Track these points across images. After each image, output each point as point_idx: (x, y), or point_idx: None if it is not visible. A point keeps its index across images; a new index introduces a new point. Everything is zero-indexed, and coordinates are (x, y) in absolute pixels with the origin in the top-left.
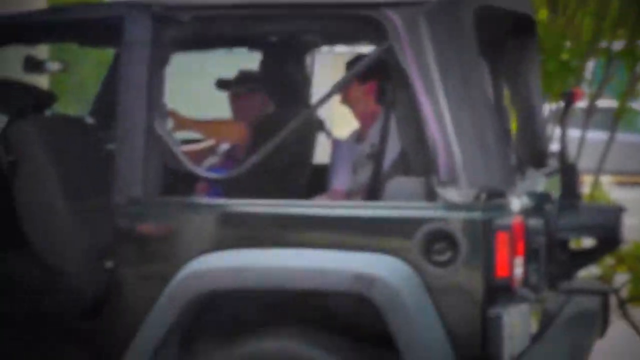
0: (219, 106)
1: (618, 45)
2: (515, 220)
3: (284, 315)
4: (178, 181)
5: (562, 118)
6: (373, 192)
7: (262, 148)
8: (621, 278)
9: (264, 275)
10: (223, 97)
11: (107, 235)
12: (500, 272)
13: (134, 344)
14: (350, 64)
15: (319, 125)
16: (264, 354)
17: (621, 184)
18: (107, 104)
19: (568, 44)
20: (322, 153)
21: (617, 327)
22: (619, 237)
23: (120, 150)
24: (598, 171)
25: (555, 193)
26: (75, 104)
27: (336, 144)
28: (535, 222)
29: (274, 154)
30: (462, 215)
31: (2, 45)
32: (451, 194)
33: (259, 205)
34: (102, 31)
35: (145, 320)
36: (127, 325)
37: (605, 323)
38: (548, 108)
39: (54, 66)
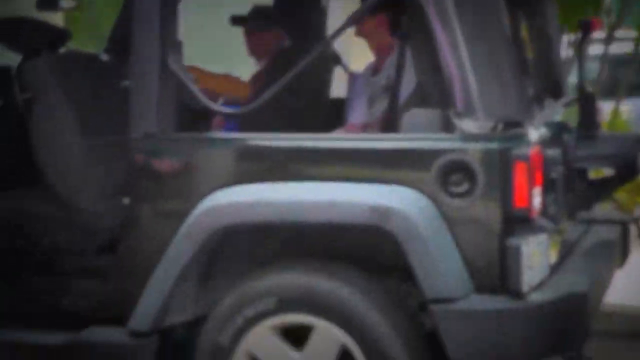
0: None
1: None
2: (533, 150)
3: (301, 249)
4: (193, 116)
5: (580, 48)
6: (390, 124)
7: (277, 82)
8: None
9: (280, 209)
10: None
11: (123, 172)
12: (519, 202)
13: (151, 280)
14: None
15: (335, 59)
16: (281, 288)
17: None
18: (121, 40)
19: None
20: (338, 87)
21: (637, 256)
22: (638, 166)
23: (135, 87)
24: (617, 101)
25: (574, 123)
26: (90, 41)
27: (352, 77)
28: (553, 152)
29: (290, 88)
30: (479, 145)
31: None
32: (468, 125)
33: (275, 139)
34: None
35: (162, 256)
36: (145, 261)
37: (624, 253)
38: (566, 38)
39: (68, 3)
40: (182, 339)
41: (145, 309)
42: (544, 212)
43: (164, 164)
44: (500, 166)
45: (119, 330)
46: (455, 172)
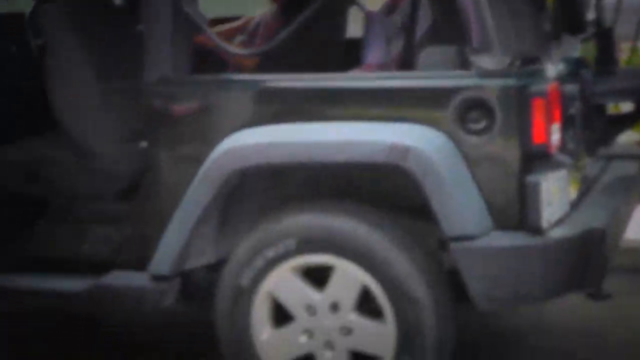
0: None
1: None
2: (551, 86)
3: (321, 190)
4: (208, 59)
5: None
6: (406, 63)
7: (292, 22)
8: None
9: (298, 150)
10: None
11: (140, 116)
12: (537, 138)
13: (171, 223)
14: None
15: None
16: (301, 228)
17: None
18: None
19: None
20: (354, 27)
21: None
22: None
23: (149, 30)
24: (636, 36)
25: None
26: None
27: (368, 16)
28: (571, 88)
29: (305, 28)
30: (496, 82)
31: None
32: (485, 62)
33: (292, 80)
34: None
35: (181, 199)
36: (163, 205)
37: None
38: None
39: None
40: (203, 282)
41: (166, 253)
42: (562, 148)
43: (180, 108)
44: (518, 102)
45: (139, 275)
46: (473, 109)
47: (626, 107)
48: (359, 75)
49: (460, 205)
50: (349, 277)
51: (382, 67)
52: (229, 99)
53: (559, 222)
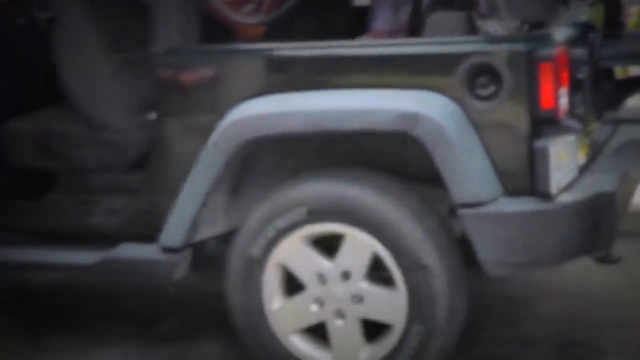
0: None
1: None
2: (559, 50)
3: (331, 159)
4: (216, 29)
5: None
6: (414, 29)
7: None
8: None
9: (308, 119)
10: None
11: (149, 87)
12: (545, 103)
13: (181, 194)
14: None
15: None
16: (312, 198)
17: None
18: None
19: None
20: None
21: None
22: None
23: (156, 1)
24: None
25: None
26: None
27: None
28: (579, 52)
29: None
30: (504, 47)
31: None
32: (492, 27)
33: (301, 48)
34: None
35: (191, 170)
36: (174, 176)
37: None
38: None
39: None
40: (214, 252)
41: (176, 224)
42: (571, 112)
43: (188, 77)
44: (526, 67)
45: (150, 247)
46: (481, 75)
47: (635, 70)
48: (367, 43)
49: (469, 172)
50: (359, 245)
51: (390, 34)
52: (238, 69)
53: (568, 187)
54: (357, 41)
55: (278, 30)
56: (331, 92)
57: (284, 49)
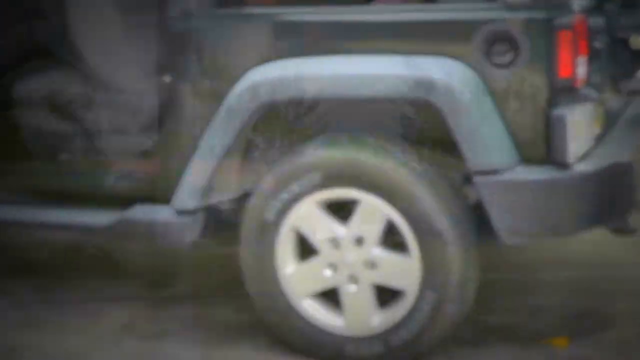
0: None
1: None
2: (577, 18)
3: (346, 124)
4: None
5: None
6: None
7: None
8: None
9: (323, 84)
10: None
11: (164, 50)
12: (563, 72)
13: (195, 158)
14: None
15: None
16: (326, 162)
17: None
18: None
19: None
20: None
21: None
22: None
23: None
24: None
25: None
26: None
27: None
28: (597, 21)
29: None
30: (522, 15)
31: None
32: None
33: (315, 13)
34: None
35: (205, 133)
36: (188, 139)
37: None
38: None
39: None
40: (228, 216)
41: (190, 188)
42: (588, 82)
43: (203, 41)
44: (544, 35)
45: (164, 208)
46: (499, 42)
47: None
48: (383, 8)
49: (486, 139)
50: (373, 211)
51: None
52: (252, 32)
53: (585, 156)
54: (373, 6)
55: None
56: (347, 58)
57: (297, 13)
